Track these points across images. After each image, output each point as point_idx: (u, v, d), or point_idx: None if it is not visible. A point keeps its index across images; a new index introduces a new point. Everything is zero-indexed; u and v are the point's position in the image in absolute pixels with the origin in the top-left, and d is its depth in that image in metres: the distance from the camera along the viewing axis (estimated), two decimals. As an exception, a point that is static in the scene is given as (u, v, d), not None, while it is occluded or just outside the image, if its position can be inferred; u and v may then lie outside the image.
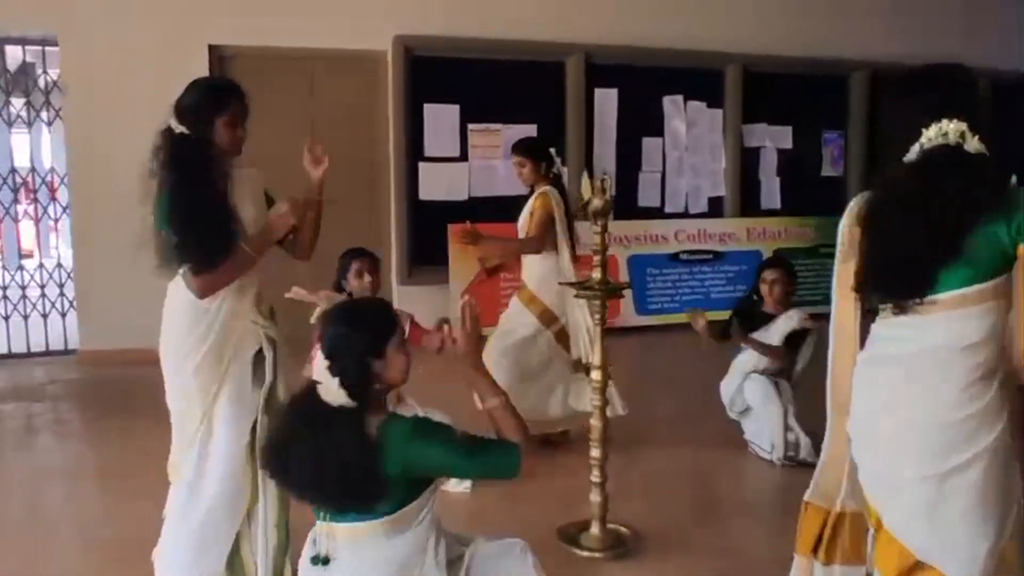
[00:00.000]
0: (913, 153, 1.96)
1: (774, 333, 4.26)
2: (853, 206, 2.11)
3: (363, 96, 6.91)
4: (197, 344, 2.53)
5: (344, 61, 6.80)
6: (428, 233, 6.87)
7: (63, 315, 6.63)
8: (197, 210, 2.47)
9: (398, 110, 6.83)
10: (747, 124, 7.98)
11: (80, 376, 6.13)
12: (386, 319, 2.03)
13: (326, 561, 1.95)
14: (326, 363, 1.91)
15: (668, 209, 7.80)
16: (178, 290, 2.55)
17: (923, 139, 1.95)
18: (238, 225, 2.53)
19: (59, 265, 6.61)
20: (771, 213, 8.11)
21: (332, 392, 1.90)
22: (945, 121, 1.94)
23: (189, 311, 2.52)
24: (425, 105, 6.93)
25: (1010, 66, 8.80)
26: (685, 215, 7.81)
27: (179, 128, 2.56)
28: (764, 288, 4.37)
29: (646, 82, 7.60)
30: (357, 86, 6.91)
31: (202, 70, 6.31)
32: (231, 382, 2.56)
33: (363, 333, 1.95)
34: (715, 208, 7.96)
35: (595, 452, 2.97)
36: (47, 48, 6.38)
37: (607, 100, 7.49)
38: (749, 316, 4.40)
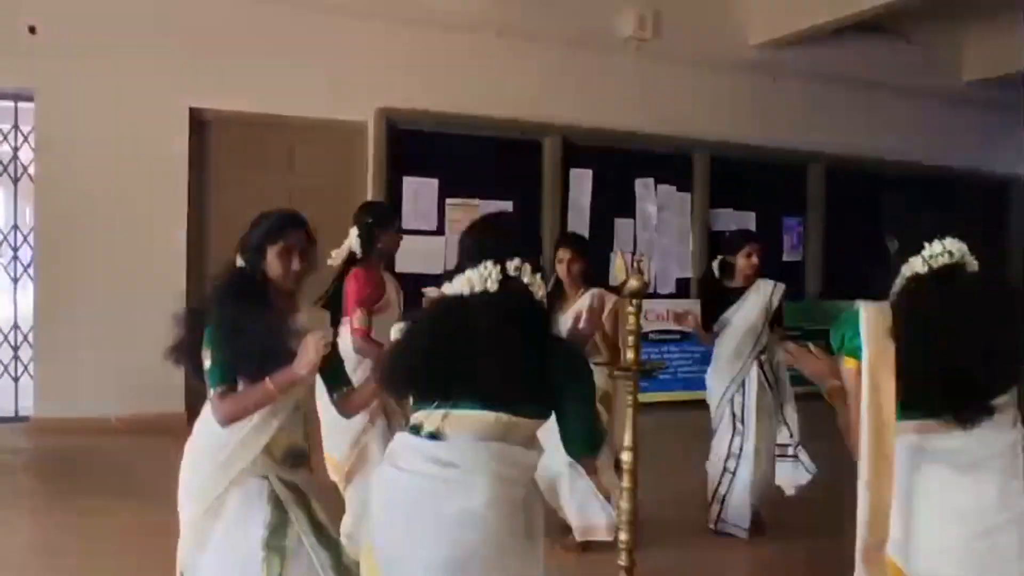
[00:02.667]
0: (917, 265, 2.11)
1: (751, 310, 4.19)
2: (874, 318, 2.07)
3: (342, 167, 6.89)
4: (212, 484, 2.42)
5: (324, 130, 6.79)
6: (403, 303, 6.77)
7: (16, 379, 6.29)
8: (234, 330, 2.38)
9: (378, 182, 6.82)
10: (714, 208, 8.20)
11: (31, 445, 5.79)
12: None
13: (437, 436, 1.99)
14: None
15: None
16: (203, 430, 2.48)
17: (926, 253, 2.10)
18: (274, 359, 2.37)
19: (15, 327, 6.30)
20: (736, 295, 8.27)
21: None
22: (949, 240, 2.10)
23: (209, 449, 2.44)
24: (405, 178, 6.94)
25: (953, 163, 9.34)
26: (654, 295, 7.90)
27: (239, 262, 2.52)
28: (742, 262, 4.29)
29: (619, 164, 7.77)
30: (336, 156, 6.89)
31: (181, 132, 6.23)
32: (224, 518, 2.40)
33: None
34: (682, 289, 8.09)
35: (624, 536, 2.89)
36: (20, 104, 6.21)
37: (582, 180, 7.62)
38: (719, 298, 4.34)
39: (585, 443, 2.10)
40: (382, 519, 2.04)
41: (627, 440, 2.92)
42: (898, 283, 2.16)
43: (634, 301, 2.91)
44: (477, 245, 2.11)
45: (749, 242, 4.39)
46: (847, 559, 2.11)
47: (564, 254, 4.13)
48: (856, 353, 2.07)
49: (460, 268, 2.08)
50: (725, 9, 8.07)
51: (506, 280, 2.03)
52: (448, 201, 7.10)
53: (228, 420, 2.37)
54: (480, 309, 1.99)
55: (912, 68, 8.99)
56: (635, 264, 2.88)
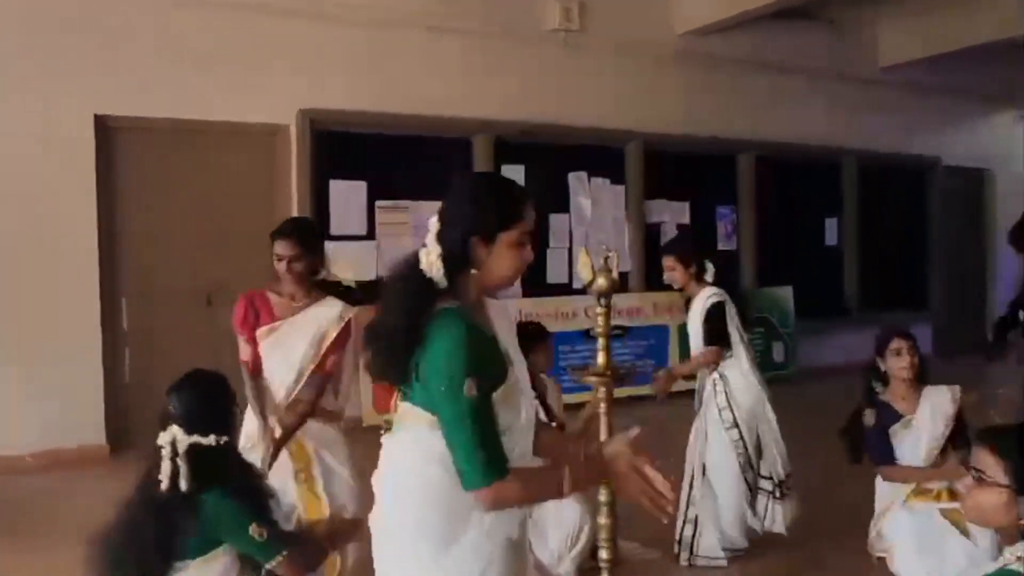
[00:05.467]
0: None
1: (695, 312, 4.03)
2: None
3: (264, 172, 6.54)
4: None
5: (244, 135, 6.43)
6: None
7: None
8: None
9: (303, 186, 6.49)
10: (648, 200, 8.12)
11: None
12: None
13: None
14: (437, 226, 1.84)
15: (576, 285, 7.74)
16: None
17: None
18: None
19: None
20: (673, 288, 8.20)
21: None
22: None
23: None
24: (331, 181, 6.62)
25: (877, 147, 9.54)
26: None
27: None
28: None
29: (551, 159, 7.61)
30: (257, 161, 6.54)
31: (86, 141, 5.78)
32: None
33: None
34: (621, 283, 7.96)
35: (604, 555, 2.71)
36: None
37: (514, 176, 7.33)
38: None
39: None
40: None
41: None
42: None
43: (603, 300, 2.72)
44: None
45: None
46: None
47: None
48: None
49: None
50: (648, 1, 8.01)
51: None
52: (378, 204, 6.82)
53: None
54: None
55: (834, 54, 9.11)
56: (605, 262, 2.69)
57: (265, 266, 6.06)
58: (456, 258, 1.84)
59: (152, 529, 2.02)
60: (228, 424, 2.20)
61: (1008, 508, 1.74)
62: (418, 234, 7.41)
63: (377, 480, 1.95)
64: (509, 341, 1.91)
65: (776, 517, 3.97)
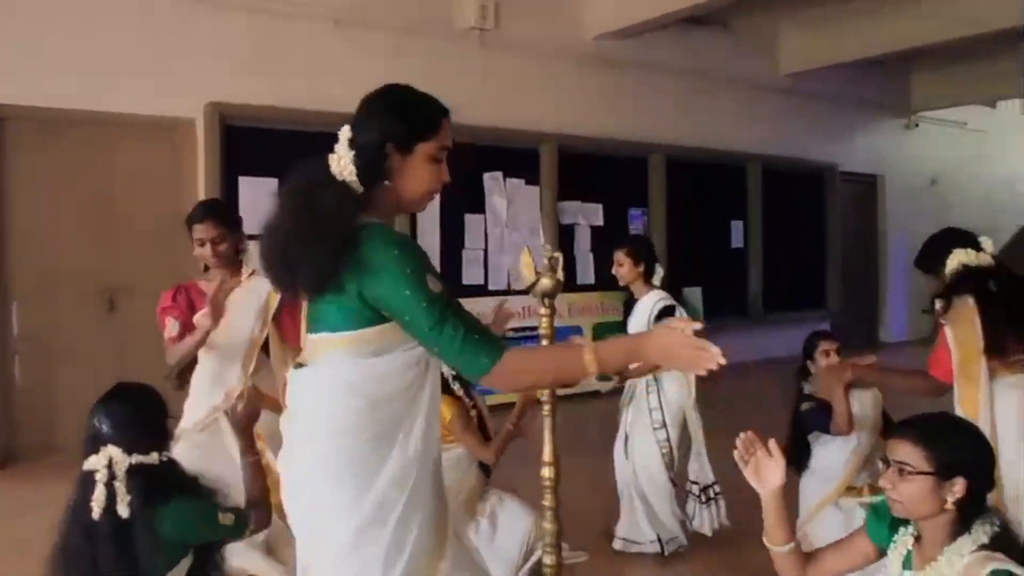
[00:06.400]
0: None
1: (642, 312, 4.02)
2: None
3: (169, 168, 6.21)
4: None
5: (148, 127, 6.09)
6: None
7: None
8: None
9: (210, 183, 6.21)
10: (562, 201, 8.14)
11: None
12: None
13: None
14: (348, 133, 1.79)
15: (492, 287, 7.69)
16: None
17: None
18: None
19: None
20: (587, 288, 8.26)
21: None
22: None
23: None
24: (240, 178, 6.36)
25: (779, 153, 9.88)
26: (508, 291, 7.74)
27: None
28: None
29: (467, 159, 7.53)
30: (162, 156, 6.21)
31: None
32: None
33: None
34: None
35: (548, 560, 2.65)
36: None
37: (430, 176, 7.30)
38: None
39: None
40: None
41: (546, 454, 2.68)
42: None
43: (547, 301, 2.67)
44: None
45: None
46: None
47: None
48: None
49: None
50: (561, 2, 8.03)
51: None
52: (290, 202, 6.58)
53: None
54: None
55: (738, 61, 9.38)
56: (550, 262, 2.63)
57: (172, 266, 5.82)
58: (371, 165, 1.75)
59: (103, 557, 1.85)
60: (167, 438, 2.05)
61: (933, 495, 1.79)
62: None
63: (286, 420, 1.82)
64: None
65: (704, 520, 4.03)
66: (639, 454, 4.03)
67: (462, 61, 7.43)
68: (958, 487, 1.77)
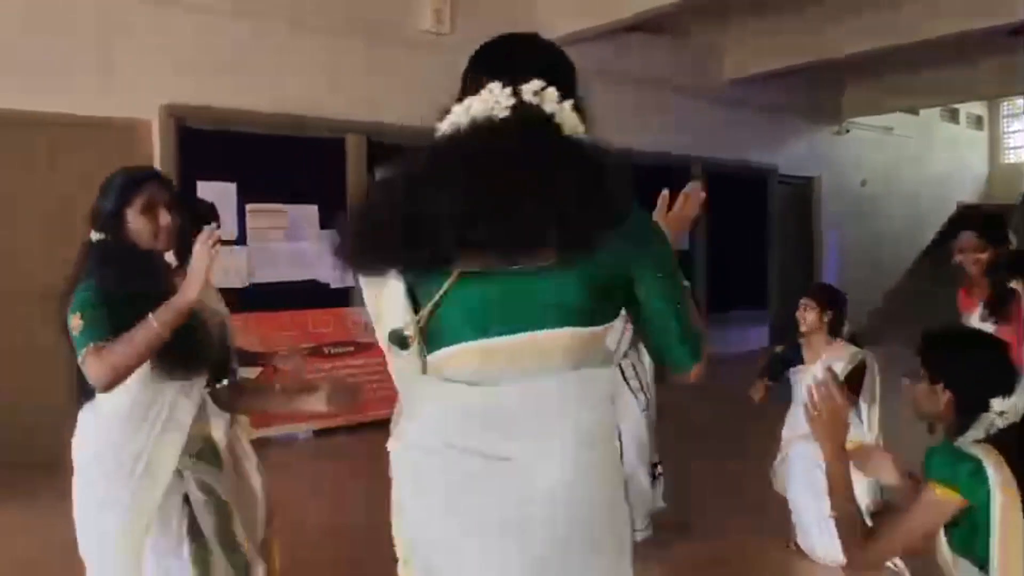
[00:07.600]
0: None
1: None
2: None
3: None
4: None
5: (100, 129, 5.90)
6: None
7: None
8: (111, 290, 2.09)
9: (167, 187, 6.06)
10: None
11: None
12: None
13: None
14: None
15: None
16: (93, 434, 2.16)
17: None
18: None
19: None
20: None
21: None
22: None
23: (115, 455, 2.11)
24: (198, 183, 6.23)
25: (723, 156, 10.14)
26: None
27: (95, 236, 2.22)
28: None
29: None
30: (115, 159, 5.91)
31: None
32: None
33: None
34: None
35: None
36: None
37: (389, 180, 7.28)
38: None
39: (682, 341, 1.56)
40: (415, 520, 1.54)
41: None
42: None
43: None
44: (474, 65, 1.58)
45: None
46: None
47: None
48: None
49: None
50: (515, 7, 8.10)
51: (521, 106, 1.46)
52: (249, 207, 6.48)
53: (110, 377, 1.96)
54: (485, 135, 1.43)
55: (685, 67, 9.62)
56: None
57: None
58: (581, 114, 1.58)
59: None
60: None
61: (930, 396, 2.11)
62: (293, 238, 7.14)
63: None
64: None
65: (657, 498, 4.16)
66: (625, 433, 4.07)
67: (420, 65, 7.41)
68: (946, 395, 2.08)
